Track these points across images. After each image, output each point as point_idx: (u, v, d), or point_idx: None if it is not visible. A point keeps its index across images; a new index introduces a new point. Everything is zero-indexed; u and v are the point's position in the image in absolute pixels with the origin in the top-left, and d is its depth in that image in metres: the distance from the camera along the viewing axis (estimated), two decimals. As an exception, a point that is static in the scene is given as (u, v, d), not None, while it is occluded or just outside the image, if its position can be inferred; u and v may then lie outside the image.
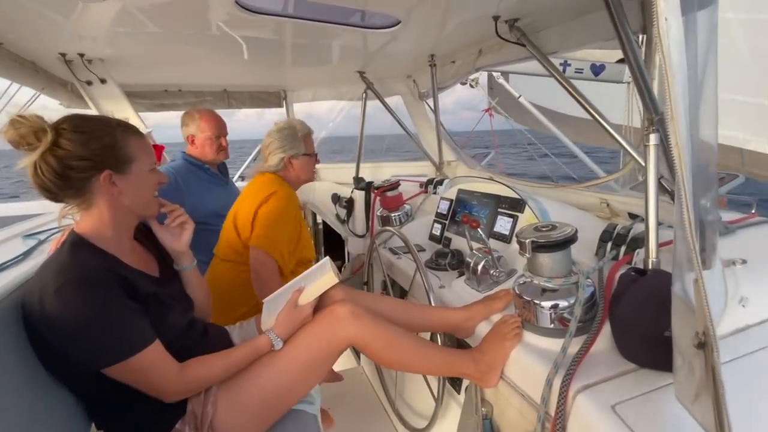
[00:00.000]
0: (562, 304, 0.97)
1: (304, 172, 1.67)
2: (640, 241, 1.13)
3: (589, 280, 0.99)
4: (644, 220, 1.37)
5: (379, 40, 1.83)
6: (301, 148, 1.62)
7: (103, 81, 1.94)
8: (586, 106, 1.31)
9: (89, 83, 1.92)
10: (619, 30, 0.95)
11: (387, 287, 1.78)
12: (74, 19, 1.47)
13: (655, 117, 1.00)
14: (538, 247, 0.96)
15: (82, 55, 1.82)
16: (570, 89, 1.32)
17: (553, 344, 0.97)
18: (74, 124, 0.85)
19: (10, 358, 0.78)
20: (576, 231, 0.97)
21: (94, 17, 1.48)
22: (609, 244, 1.18)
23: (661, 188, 1.07)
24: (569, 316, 0.96)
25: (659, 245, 1.01)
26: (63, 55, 1.78)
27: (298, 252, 1.62)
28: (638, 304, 0.90)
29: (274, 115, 3.19)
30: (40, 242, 1.35)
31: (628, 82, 3.89)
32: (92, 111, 1.98)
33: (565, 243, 0.96)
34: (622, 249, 1.15)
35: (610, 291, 1.03)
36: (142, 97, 2.49)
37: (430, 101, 2.65)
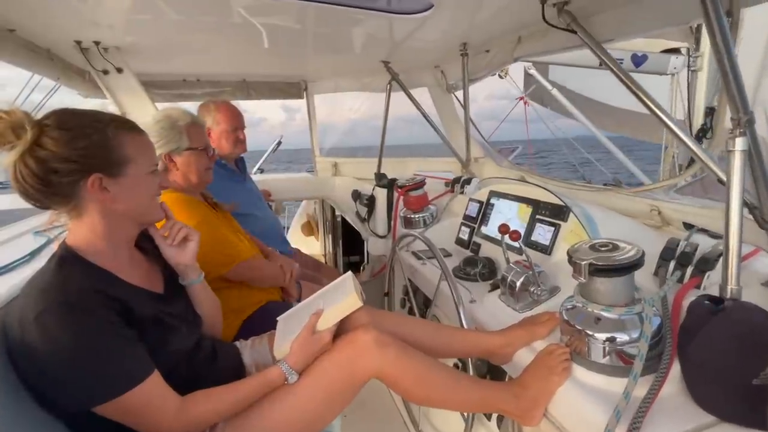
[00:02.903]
0: (621, 337, 0.83)
1: (193, 170, 1.32)
2: (711, 261, 0.97)
3: (654, 308, 0.85)
4: (701, 230, 1.22)
5: (406, 26, 1.69)
6: (182, 141, 1.30)
7: (119, 70, 1.87)
8: (647, 101, 1.14)
9: (105, 72, 1.85)
10: (708, 10, 0.78)
11: (409, 294, 1.66)
12: (90, 5, 1.40)
13: (743, 117, 0.84)
14: (597, 271, 0.82)
15: (98, 43, 1.76)
16: (628, 82, 1.15)
17: (608, 383, 0.84)
18: (60, 120, 0.74)
19: None
20: (643, 254, 0.82)
21: (111, 3, 1.41)
22: (672, 264, 1.02)
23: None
24: (631, 351, 0.82)
25: None
26: (78, 42, 1.72)
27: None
28: (719, 343, 0.75)
29: (304, 121, 3.07)
30: (49, 240, 1.29)
31: (673, 74, 3.59)
32: (109, 101, 1.92)
33: (630, 268, 0.81)
34: (689, 270, 0.99)
35: (678, 321, 0.88)
36: (159, 87, 2.42)
37: (458, 94, 2.49)
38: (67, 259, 0.76)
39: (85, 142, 0.75)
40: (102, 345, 0.70)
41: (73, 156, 0.74)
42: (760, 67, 0.95)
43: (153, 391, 0.74)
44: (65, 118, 0.76)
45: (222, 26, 1.63)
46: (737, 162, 0.83)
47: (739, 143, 0.83)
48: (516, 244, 1.18)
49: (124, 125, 0.83)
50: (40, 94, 1.94)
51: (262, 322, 1.21)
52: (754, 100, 0.92)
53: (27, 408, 0.73)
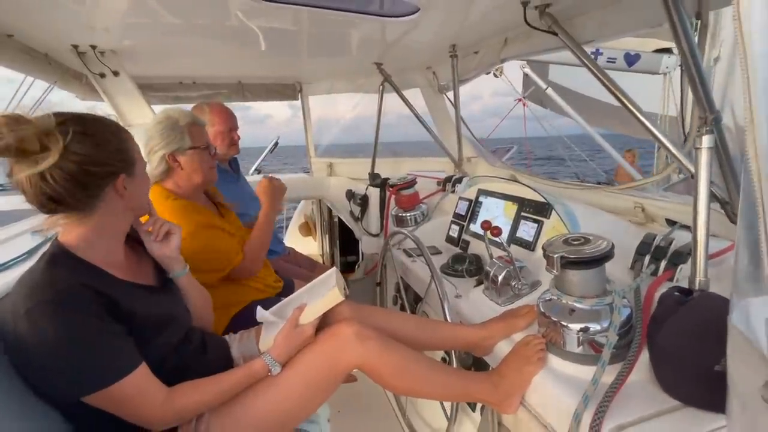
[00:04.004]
0: (593, 327, 0.87)
1: (196, 170, 1.34)
2: (684, 255, 1.01)
3: (625, 300, 0.88)
4: (683, 227, 1.25)
5: (398, 29, 1.73)
6: (184, 140, 1.31)
7: (116, 73, 1.91)
8: (624, 100, 1.18)
9: (102, 75, 1.89)
10: (672, 14, 0.82)
11: (400, 291, 1.70)
12: (87, 9, 1.44)
13: (709, 116, 0.87)
14: (568, 264, 0.86)
15: (94, 47, 1.79)
16: (606, 82, 1.19)
17: (581, 371, 0.87)
18: (79, 123, 0.77)
19: None
20: (612, 246, 0.86)
21: (107, 7, 1.44)
22: (647, 258, 1.06)
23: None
24: (601, 341, 0.85)
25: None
26: (75, 47, 1.75)
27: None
28: (684, 331, 0.79)
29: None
30: (47, 240, 1.32)
31: (665, 73, 3.63)
32: (105, 104, 1.96)
33: (600, 260, 0.85)
34: (663, 263, 1.03)
35: (649, 312, 0.92)
36: (155, 90, 2.46)
37: (450, 94, 2.53)
38: (58, 257, 0.79)
39: (112, 145, 0.81)
40: (89, 339, 0.73)
41: (105, 158, 0.79)
42: (727, 67, 0.98)
43: (140, 383, 0.77)
44: (84, 122, 0.79)
45: (217, 29, 1.66)
46: (704, 158, 0.87)
47: (706, 141, 0.86)
48: (498, 240, 1.22)
49: (123, 127, 0.88)
50: (37, 89, 1.97)
51: (250, 318, 1.24)
52: (723, 99, 0.95)
53: (24, 398, 0.76)
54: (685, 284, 0.92)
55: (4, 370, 0.75)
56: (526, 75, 4.65)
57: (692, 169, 1.09)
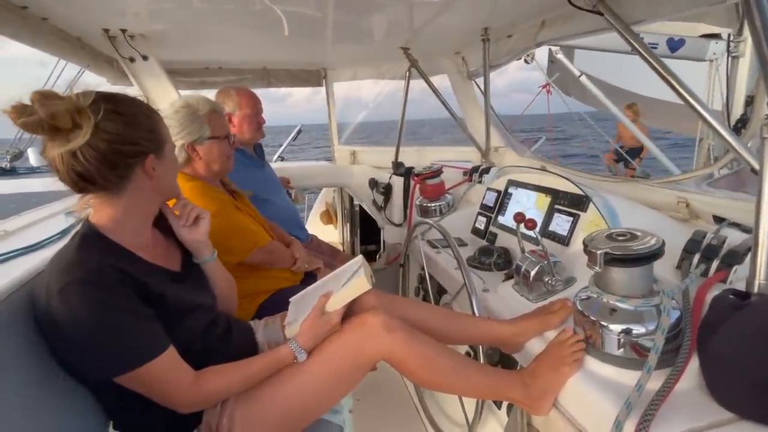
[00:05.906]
0: (637, 329, 0.81)
1: (215, 159, 1.34)
2: (740, 255, 0.92)
3: (673, 302, 0.81)
4: (732, 224, 1.16)
5: (427, 12, 1.66)
6: (204, 130, 1.31)
7: (145, 58, 1.92)
8: (679, 87, 1.08)
9: (132, 60, 1.91)
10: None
11: (424, 282, 1.66)
12: None
13: (781, 102, 0.78)
14: (613, 261, 0.80)
15: (124, 31, 1.81)
16: (660, 68, 1.09)
17: (621, 375, 0.82)
18: (110, 102, 0.76)
19: (25, 350, 0.75)
20: (663, 244, 0.79)
21: None
22: (696, 257, 0.98)
23: None
24: (647, 344, 0.79)
25: None
26: (106, 31, 1.77)
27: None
28: (743, 338, 0.72)
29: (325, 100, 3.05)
30: (79, 220, 1.35)
31: (712, 60, 3.38)
32: (135, 88, 1.99)
33: (648, 258, 0.78)
34: (714, 264, 0.95)
35: (699, 315, 0.85)
36: (182, 75, 2.48)
37: (479, 80, 2.44)
38: (89, 237, 0.79)
39: (143, 125, 0.81)
40: (120, 321, 0.73)
41: (135, 137, 0.79)
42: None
43: (168, 365, 0.77)
44: (116, 101, 0.78)
45: (243, 14, 1.64)
46: None
47: None
48: (532, 234, 1.16)
49: (154, 109, 0.87)
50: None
51: (276, 306, 1.23)
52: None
53: (55, 378, 0.78)
54: (739, 286, 0.84)
55: (36, 351, 0.76)
56: (551, 61, 4.43)
57: (753, 162, 1.01)
